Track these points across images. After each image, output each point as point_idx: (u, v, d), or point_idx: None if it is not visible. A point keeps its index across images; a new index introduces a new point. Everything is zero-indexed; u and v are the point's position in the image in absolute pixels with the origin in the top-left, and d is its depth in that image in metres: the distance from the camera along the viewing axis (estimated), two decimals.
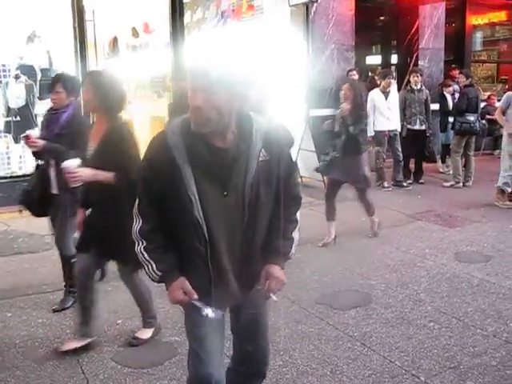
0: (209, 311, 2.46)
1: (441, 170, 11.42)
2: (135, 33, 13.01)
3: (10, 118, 8.69)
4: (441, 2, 12.57)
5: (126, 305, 4.85)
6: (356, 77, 11.29)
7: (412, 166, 10.46)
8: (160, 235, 2.43)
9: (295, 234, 2.62)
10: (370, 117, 9.74)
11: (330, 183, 7.02)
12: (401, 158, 9.92)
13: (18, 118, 8.67)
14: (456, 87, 11.15)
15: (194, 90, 2.22)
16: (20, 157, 8.75)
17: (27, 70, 8.75)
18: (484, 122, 10.85)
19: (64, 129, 4.57)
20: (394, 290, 5.22)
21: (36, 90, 8.85)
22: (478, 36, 15.69)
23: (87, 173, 3.78)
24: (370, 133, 9.77)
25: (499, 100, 9.92)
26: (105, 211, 3.88)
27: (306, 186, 9.43)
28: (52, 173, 4.59)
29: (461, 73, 10.80)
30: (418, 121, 10.00)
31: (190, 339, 2.61)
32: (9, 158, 8.95)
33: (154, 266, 2.42)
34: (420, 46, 12.94)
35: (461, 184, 9.91)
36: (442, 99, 11.11)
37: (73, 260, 4.45)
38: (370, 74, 14.33)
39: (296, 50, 10.85)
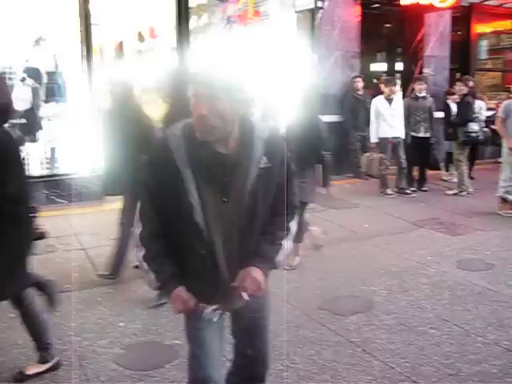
0: (209, 312, 2.48)
1: (444, 177, 11.41)
2: (141, 37, 13.06)
3: (15, 121, 8.72)
4: (446, 10, 12.58)
5: (129, 307, 4.88)
6: (361, 83, 11.35)
7: (415, 173, 10.46)
8: (159, 241, 2.42)
9: (285, 243, 2.56)
10: (373, 124, 9.78)
11: None
12: (404, 165, 9.91)
13: (24, 121, 8.70)
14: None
15: (198, 98, 2.21)
16: (23, 159, 8.77)
17: (33, 73, 8.79)
18: (487, 129, 10.86)
19: None
20: (396, 297, 5.22)
21: (42, 93, 8.88)
22: (483, 44, 15.67)
23: None
24: (374, 139, 9.82)
25: None
26: None
27: None
28: None
29: (459, 80, 10.78)
30: (422, 128, 10.01)
31: (189, 342, 2.62)
32: None
33: (153, 276, 2.44)
34: (425, 54, 12.96)
35: (464, 192, 9.90)
36: (445, 108, 11.11)
37: None
38: (374, 81, 14.33)
39: (301, 56, 10.88)
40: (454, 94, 10.60)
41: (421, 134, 10.03)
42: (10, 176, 3.37)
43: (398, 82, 11.42)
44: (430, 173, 10.61)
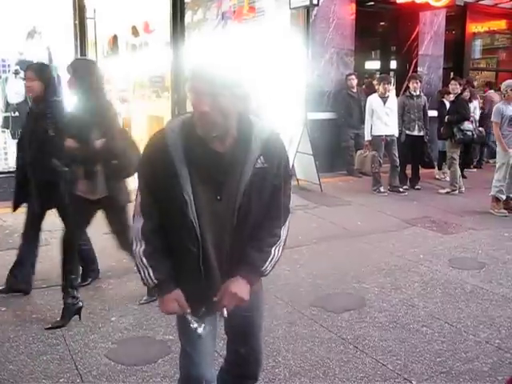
0: (197, 327, 2.42)
1: (437, 176, 11.46)
2: (135, 32, 13.02)
3: (8, 114, 8.68)
4: (442, 9, 12.61)
5: (120, 302, 4.87)
6: (355, 81, 11.38)
7: (409, 171, 10.49)
8: (159, 237, 2.38)
9: (275, 251, 2.46)
10: (368, 121, 9.80)
11: None
12: (397, 164, 9.92)
13: (17, 114, 8.66)
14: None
15: (199, 95, 2.17)
16: None
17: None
18: (481, 129, 10.89)
19: None
20: (388, 295, 5.23)
21: None
22: (478, 44, 15.77)
23: None
24: (368, 137, 9.84)
25: None
26: None
27: (302, 189, 9.46)
28: None
29: (454, 79, 10.79)
30: (416, 127, 10.03)
31: (182, 340, 2.59)
32: (6, 153, 8.96)
33: (151, 272, 2.38)
34: (419, 53, 13.00)
35: (457, 191, 9.93)
36: (441, 107, 11.15)
37: None
38: (367, 78, 14.37)
39: (295, 53, 10.88)
40: (450, 93, 10.63)
41: (415, 133, 10.05)
42: None
43: (391, 80, 11.42)
44: (422, 171, 10.64)
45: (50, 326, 4.39)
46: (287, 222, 2.51)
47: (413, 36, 12.98)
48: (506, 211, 8.38)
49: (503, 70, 16.19)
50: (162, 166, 2.26)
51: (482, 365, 3.95)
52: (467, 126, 9.79)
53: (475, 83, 14.10)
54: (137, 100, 12.60)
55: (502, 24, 15.60)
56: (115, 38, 13.27)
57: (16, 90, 8.61)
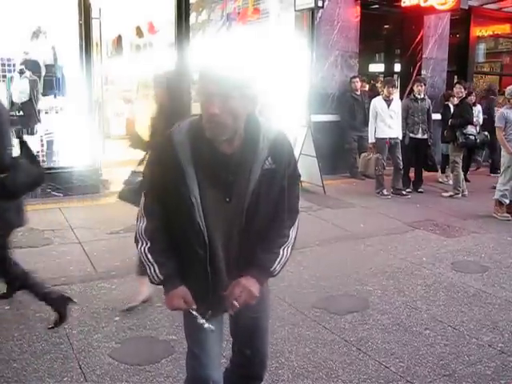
0: (204, 322, 2.41)
1: (440, 179, 11.46)
2: (140, 32, 13.06)
3: (13, 113, 8.69)
4: (447, 12, 12.62)
5: (124, 302, 4.88)
6: (358, 84, 11.39)
7: (412, 174, 10.49)
8: (165, 235, 2.38)
9: (284, 251, 2.47)
10: (372, 124, 9.80)
11: None
12: (401, 166, 9.92)
13: (21, 113, 8.68)
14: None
15: (209, 97, 2.14)
16: None
17: (32, 66, 8.75)
18: (486, 133, 10.89)
19: None
20: (391, 297, 5.24)
21: (40, 85, 8.85)
22: (482, 48, 15.76)
23: None
24: (372, 140, 9.84)
25: None
26: None
27: (305, 191, 9.45)
28: None
29: (458, 83, 10.78)
30: (420, 130, 10.03)
31: (189, 342, 2.58)
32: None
33: (157, 269, 2.37)
34: (423, 56, 13.00)
35: (460, 195, 9.94)
36: (445, 110, 11.15)
37: None
38: (371, 81, 14.38)
39: (300, 55, 10.90)
40: (454, 96, 10.64)
41: (419, 136, 10.05)
42: None
43: (396, 83, 11.43)
44: (425, 174, 10.64)
45: (51, 325, 4.39)
46: (296, 223, 2.51)
47: (417, 39, 12.98)
48: (509, 215, 8.38)
49: (507, 75, 16.20)
50: (169, 165, 2.26)
51: (485, 368, 3.95)
52: (470, 130, 9.80)
53: (479, 87, 14.12)
54: (141, 100, 12.63)
55: (506, 28, 15.60)
56: (119, 38, 13.32)
57: (21, 90, 8.62)
